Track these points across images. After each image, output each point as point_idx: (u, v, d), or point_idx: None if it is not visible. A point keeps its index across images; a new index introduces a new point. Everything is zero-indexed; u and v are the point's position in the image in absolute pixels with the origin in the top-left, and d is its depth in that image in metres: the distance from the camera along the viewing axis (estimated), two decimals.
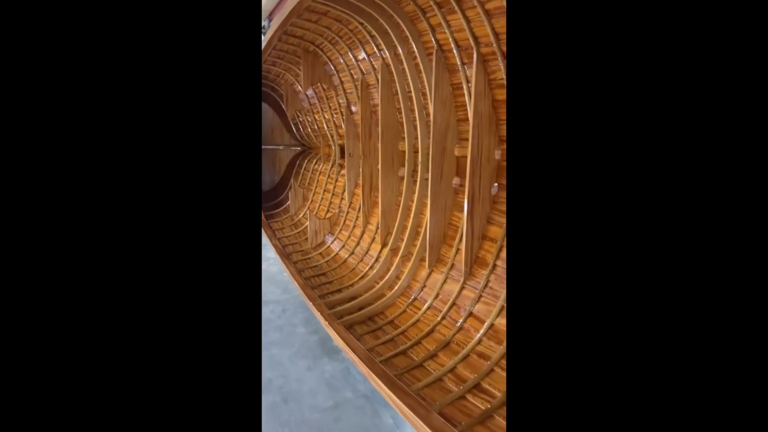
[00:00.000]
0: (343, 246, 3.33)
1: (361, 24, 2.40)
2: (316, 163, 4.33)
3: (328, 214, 3.76)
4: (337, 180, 3.77)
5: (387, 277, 2.53)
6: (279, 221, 4.19)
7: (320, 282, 2.91)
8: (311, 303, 2.41)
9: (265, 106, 4.63)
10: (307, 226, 3.91)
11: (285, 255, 3.33)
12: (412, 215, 2.51)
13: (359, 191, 3.30)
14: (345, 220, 3.48)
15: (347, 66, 2.94)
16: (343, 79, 3.13)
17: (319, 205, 3.96)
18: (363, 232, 3.18)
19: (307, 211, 4.10)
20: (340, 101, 3.32)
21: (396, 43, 2.15)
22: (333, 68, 3.12)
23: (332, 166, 3.92)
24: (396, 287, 2.40)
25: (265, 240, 4.64)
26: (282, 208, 4.46)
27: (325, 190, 3.95)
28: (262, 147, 4.66)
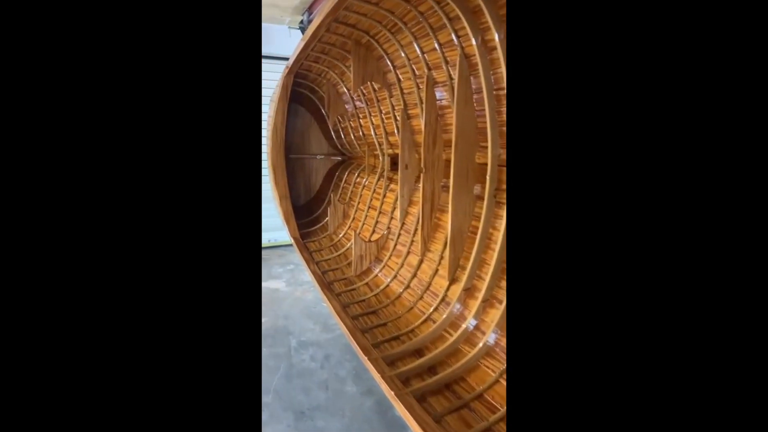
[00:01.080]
0: (395, 277, 2.85)
1: (438, 3, 1.95)
2: (359, 176, 3.90)
3: (374, 236, 3.30)
4: (385, 196, 3.30)
5: (463, 326, 2.01)
6: (316, 241, 3.77)
7: (371, 324, 2.43)
8: (364, 355, 1.93)
9: (301, 110, 4.27)
10: (349, 249, 3.47)
11: (325, 284, 2.89)
12: (497, 247, 1.98)
13: (415, 210, 2.82)
14: (396, 245, 3.00)
15: (409, 60, 2.49)
16: (401, 76, 2.68)
17: (363, 224, 3.51)
18: (421, 262, 2.68)
19: (349, 231, 3.66)
20: (395, 103, 2.88)
21: (492, 25, 1.67)
22: (389, 63, 2.68)
23: (379, 179, 3.47)
24: (480, 344, 1.87)
25: (297, 259, 4.21)
26: (319, 225, 4.05)
27: (370, 207, 3.50)
28: (297, 156, 4.29)
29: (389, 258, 3.01)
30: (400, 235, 2.99)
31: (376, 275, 3.01)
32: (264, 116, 4.91)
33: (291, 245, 5.76)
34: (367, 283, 2.97)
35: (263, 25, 4.73)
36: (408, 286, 2.69)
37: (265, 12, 4.37)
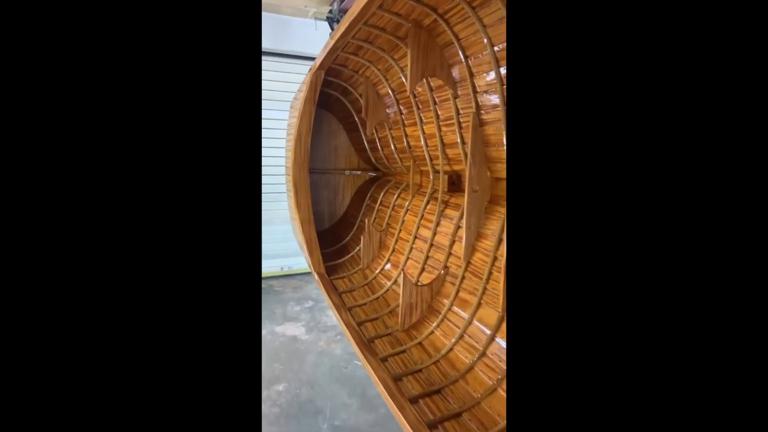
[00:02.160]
0: (461, 337, 2.18)
1: None
2: (399, 196, 3.26)
3: (425, 276, 2.64)
4: (438, 224, 2.66)
5: None
6: (346, 278, 3.12)
7: (437, 410, 1.76)
8: None
9: (327, 116, 3.68)
10: (390, 291, 2.81)
11: (363, 342, 2.23)
12: None
13: (487, 246, 2.17)
14: (458, 291, 2.34)
15: (492, 45, 1.87)
16: (474, 70, 2.07)
17: (407, 258, 2.85)
18: (502, 320, 2.01)
19: (389, 267, 3.01)
20: (461, 105, 2.26)
21: None
22: (460, 52, 2.07)
23: (429, 202, 2.83)
24: None
25: (316, 293, 3.56)
26: (348, 257, 3.40)
27: (417, 237, 2.85)
28: (321, 170, 3.68)
29: (449, 309, 2.34)
30: (463, 278, 2.33)
31: (432, 332, 2.34)
32: (281, 123, 4.35)
33: (308, 273, 5.18)
34: (420, 344, 2.30)
35: (282, 18, 4.21)
36: (484, 353, 2.02)
37: (285, 2, 3.85)
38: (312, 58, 4.38)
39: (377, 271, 3.06)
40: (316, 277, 3.02)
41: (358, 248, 3.41)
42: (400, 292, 2.35)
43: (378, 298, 2.81)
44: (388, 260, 3.05)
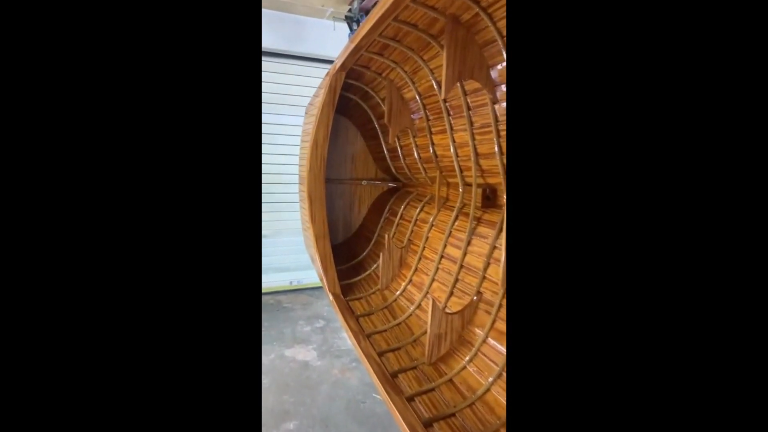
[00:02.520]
0: (500, 376, 1.91)
1: None
2: (423, 210, 3.02)
3: (453, 301, 2.39)
4: (470, 242, 2.40)
5: None
6: (363, 299, 2.87)
7: None
8: None
9: (345, 122, 3.47)
10: (413, 317, 2.56)
11: (386, 377, 1.98)
12: None
13: None
14: (494, 322, 2.08)
15: None
16: None
17: (431, 280, 2.60)
18: None
19: (411, 289, 2.76)
20: (500, 112, 2.02)
21: None
22: (504, 51, 1.84)
23: (457, 218, 2.58)
24: None
25: (328, 311, 3.33)
26: (365, 274, 3.16)
27: (443, 257, 2.60)
28: (336, 180, 3.46)
29: (483, 341, 2.08)
30: (501, 307, 2.07)
31: (465, 367, 2.08)
32: (295, 129, 4.15)
33: (318, 288, 4.94)
34: (452, 381, 2.04)
35: (297, 18, 4.03)
36: None
37: (300, 1, 3.67)
38: (329, 61, 4.20)
39: (398, 292, 2.81)
40: (331, 297, 2.78)
41: (375, 266, 3.16)
42: (428, 320, 2.09)
43: (400, 324, 2.56)
44: (410, 281, 2.80)
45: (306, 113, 3.30)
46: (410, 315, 2.59)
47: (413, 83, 2.53)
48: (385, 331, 2.50)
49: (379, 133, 3.18)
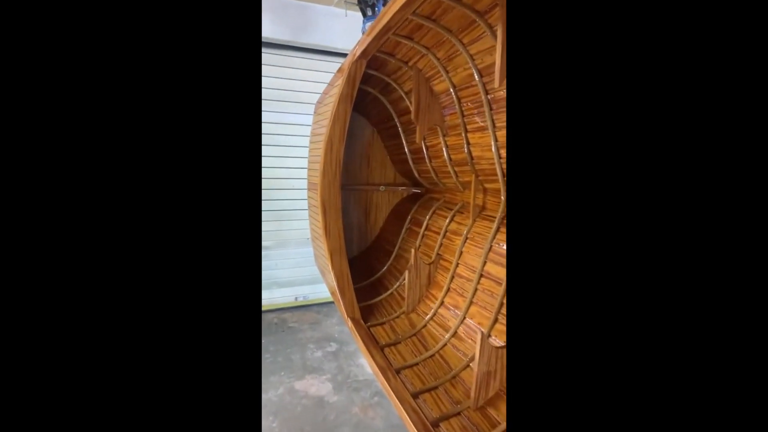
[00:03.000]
0: None
1: None
2: (454, 220, 2.66)
3: (495, 326, 2.03)
4: None
5: None
6: (387, 324, 2.51)
7: None
8: None
9: (360, 120, 3.12)
10: (447, 348, 2.21)
11: (424, 427, 1.63)
12: None
13: None
14: None
15: None
16: None
17: (469, 303, 2.24)
18: None
19: (443, 312, 2.40)
20: None
21: None
22: None
23: (498, 230, 2.23)
24: None
25: (340, 332, 2.99)
26: (386, 294, 2.80)
27: (483, 276, 2.25)
28: (351, 186, 3.11)
29: None
30: None
31: None
32: (300, 128, 3.80)
33: (327, 303, 4.59)
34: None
35: (304, 5, 3.68)
36: None
37: None
38: (339, 54, 3.86)
39: (427, 316, 2.45)
40: (350, 324, 2.42)
41: (398, 284, 2.81)
42: (476, 354, 1.73)
43: (433, 355, 2.20)
44: (442, 303, 2.45)
45: (316, 111, 2.96)
46: (444, 345, 2.23)
47: (446, 73, 2.19)
48: (417, 364, 2.14)
49: (401, 131, 2.83)
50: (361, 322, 2.45)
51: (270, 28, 3.50)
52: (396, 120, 2.80)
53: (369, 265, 3.11)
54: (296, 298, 4.22)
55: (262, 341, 3.36)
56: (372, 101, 2.90)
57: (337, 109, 2.25)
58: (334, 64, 3.86)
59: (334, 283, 2.42)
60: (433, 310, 2.45)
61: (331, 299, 4.31)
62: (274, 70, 3.68)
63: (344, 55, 3.88)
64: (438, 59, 2.16)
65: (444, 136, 2.46)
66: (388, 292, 2.79)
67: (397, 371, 2.04)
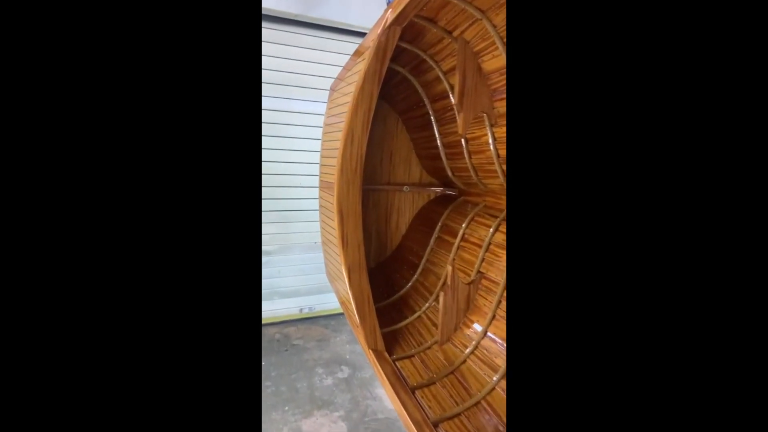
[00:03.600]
0: None
1: None
2: (498, 230, 2.22)
3: None
4: None
5: None
6: (416, 357, 2.08)
7: None
8: None
9: (383, 109, 2.67)
10: (496, 391, 1.79)
11: None
12: None
13: None
14: None
15: None
16: None
17: None
18: None
19: (487, 346, 1.98)
20: None
21: None
22: None
23: None
24: None
25: (352, 352, 2.62)
26: (412, 318, 2.37)
27: None
28: (370, 186, 2.67)
29: None
30: None
31: None
32: (308, 118, 3.36)
33: (336, 315, 4.16)
34: None
35: None
36: None
37: None
38: (354, 33, 3.40)
39: (467, 350, 2.02)
40: (371, 357, 1.99)
41: (427, 305, 2.37)
42: None
43: (478, 403, 1.77)
44: (485, 333, 2.02)
45: (330, 98, 2.51)
46: (492, 389, 1.80)
47: (503, 46, 1.74)
48: (459, 415, 1.72)
49: (433, 120, 2.38)
50: (386, 355, 2.02)
51: (273, 0, 3.05)
52: (428, 106, 2.35)
53: (389, 280, 2.68)
54: (301, 310, 3.79)
55: (263, 364, 2.94)
56: (399, 83, 2.45)
57: (362, 90, 1.80)
58: (348, 45, 3.41)
59: (353, 306, 1.99)
60: (474, 342, 2.02)
61: (340, 310, 3.89)
62: (277, 48, 3.23)
63: (360, 34, 3.43)
64: (494, 26, 1.71)
65: (492, 126, 2.02)
66: (415, 315, 2.36)
67: (435, 425, 1.62)
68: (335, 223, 1.99)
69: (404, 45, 2.08)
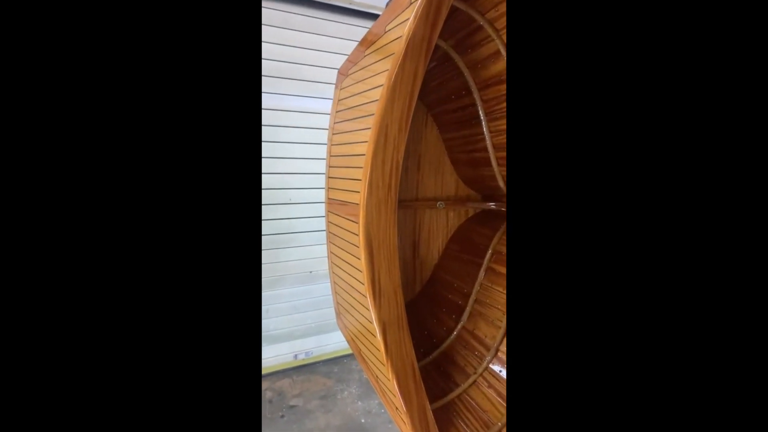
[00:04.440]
0: None
1: None
2: None
3: None
4: None
5: None
6: None
7: None
8: None
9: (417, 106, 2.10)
10: None
11: None
12: None
13: None
14: None
15: None
16: None
17: None
18: None
19: None
20: None
21: None
22: None
23: None
24: None
25: (365, 409, 2.00)
26: (465, 386, 1.76)
27: None
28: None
29: None
30: None
31: None
32: (310, 117, 2.77)
33: (341, 357, 3.48)
34: None
35: None
36: None
37: None
38: (361, 14, 2.84)
39: None
40: None
41: (484, 366, 1.77)
42: None
43: None
44: None
45: (340, 86, 1.91)
46: None
47: None
48: None
49: (481, 114, 1.81)
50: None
51: None
52: (476, 94, 1.78)
53: (422, 326, 2.07)
54: (296, 356, 3.13)
55: None
56: (436, 66, 1.88)
57: (401, 68, 1.22)
58: (354, 29, 2.85)
59: (394, 384, 1.38)
60: None
61: (343, 352, 3.26)
62: (266, 32, 2.64)
63: (368, 16, 2.88)
64: None
65: None
66: (470, 380, 1.75)
67: None
68: (362, 263, 1.38)
69: (457, 4, 1.51)
